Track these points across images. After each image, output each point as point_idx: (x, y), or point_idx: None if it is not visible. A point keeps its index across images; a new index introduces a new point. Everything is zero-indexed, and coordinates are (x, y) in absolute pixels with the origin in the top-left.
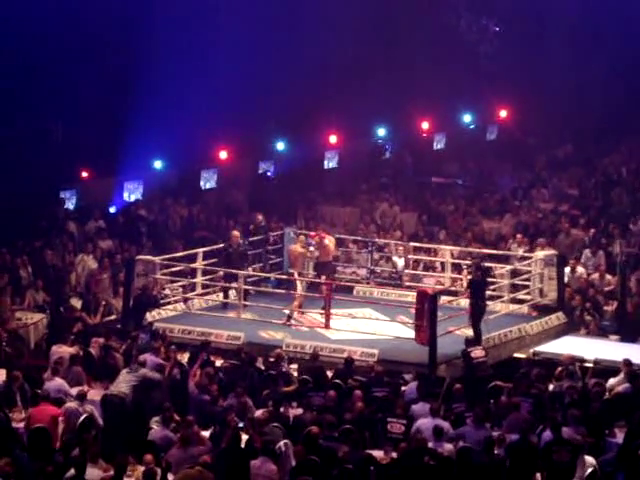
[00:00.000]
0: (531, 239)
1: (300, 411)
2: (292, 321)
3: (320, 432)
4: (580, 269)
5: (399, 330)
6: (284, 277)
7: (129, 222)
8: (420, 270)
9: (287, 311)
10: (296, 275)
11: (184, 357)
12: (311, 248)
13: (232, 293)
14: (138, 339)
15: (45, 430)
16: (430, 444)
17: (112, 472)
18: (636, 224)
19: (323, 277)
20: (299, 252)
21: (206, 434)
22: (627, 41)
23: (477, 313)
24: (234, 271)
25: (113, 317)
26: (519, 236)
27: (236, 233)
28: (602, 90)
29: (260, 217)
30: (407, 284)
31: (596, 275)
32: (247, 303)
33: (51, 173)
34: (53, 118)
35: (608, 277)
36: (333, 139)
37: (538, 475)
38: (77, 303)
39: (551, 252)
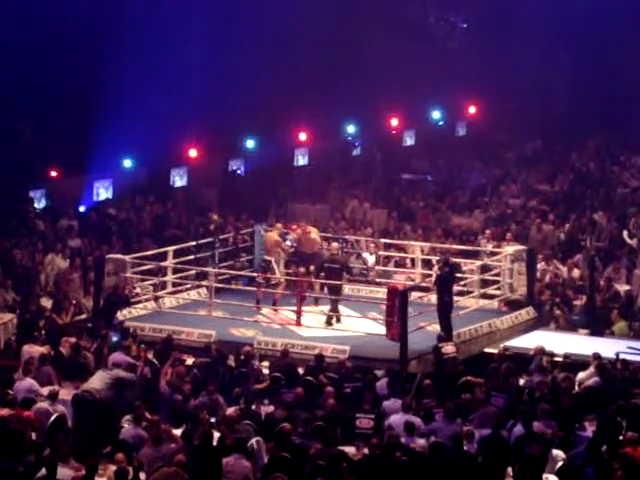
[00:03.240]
0: (501, 234)
1: (272, 408)
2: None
3: (292, 429)
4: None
5: (370, 326)
6: (254, 275)
7: (99, 221)
8: (391, 266)
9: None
10: (273, 262)
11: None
12: (287, 242)
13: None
14: (108, 338)
15: (16, 430)
16: (402, 440)
17: (83, 472)
18: (608, 219)
19: (312, 267)
20: (275, 240)
21: (178, 432)
22: (595, 38)
23: (444, 309)
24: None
25: (84, 316)
26: (488, 232)
27: None
28: (569, 86)
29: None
30: (378, 280)
31: (564, 269)
32: (218, 301)
33: (20, 172)
34: (22, 118)
35: (576, 271)
36: (303, 136)
37: (509, 469)
38: (47, 303)
39: (520, 247)
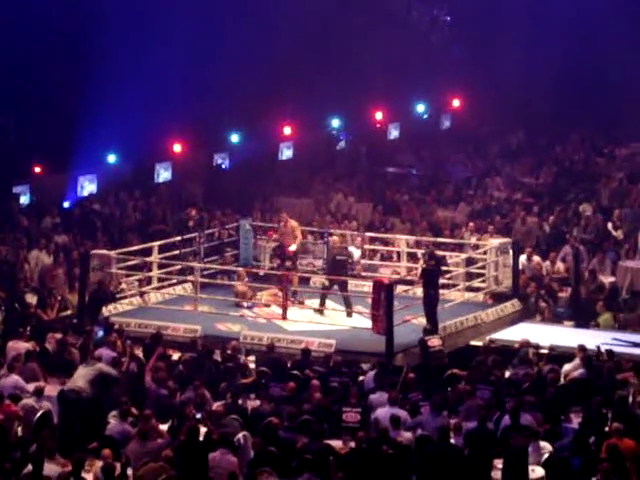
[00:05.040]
0: (485, 227)
1: (258, 403)
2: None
3: (280, 423)
4: (536, 257)
5: (356, 320)
6: (240, 269)
7: (84, 216)
8: (376, 260)
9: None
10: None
11: (140, 351)
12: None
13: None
14: (93, 333)
15: (1, 427)
16: (389, 433)
17: (70, 467)
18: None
19: (288, 263)
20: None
21: (164, 427)
22: (577, 30)
23: (430, 302)
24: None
25: (69, 312)
26: (472, 224)
27: None
28: (552, 78)
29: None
30: (363, 274)
31: (548, 262)
32: (203, 296)
33: (4, 168)
34: (5, 113)
35: (559, 264)
36: (287, 130)
37: (496, 462)
38: (32, 299)
39: (505, 240)
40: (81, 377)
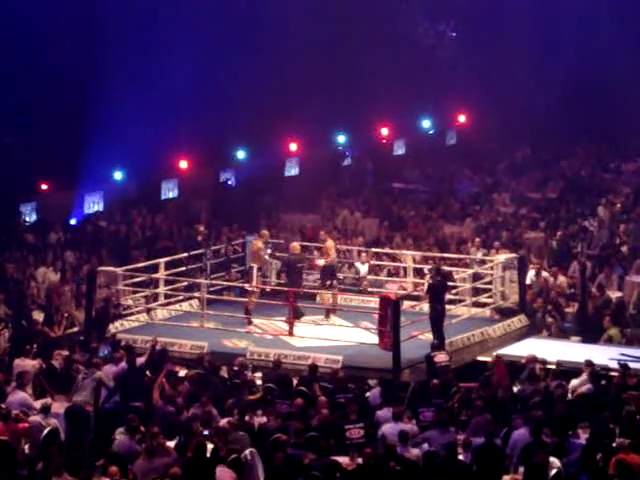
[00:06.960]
0: (491, 243)
1: (265, 419)
2: (251, 321)
3: (288, 440)
4: (545, 273)
5: (363, 336)
6: (246, 286)
7: (91, 234)
8: (383, 276)
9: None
10: (255, 269)
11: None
12: (268, 251)
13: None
14: (99, 350)
15: (8, 444)
16: (397, 449)
17: None
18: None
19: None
20: (258, 247)
21: (172, 444)
22: (582, 46)
23: (437, 317)
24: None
25: (76, 329)
26: (477, 240)
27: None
28: (559, 94)
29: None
30: (370, 290)
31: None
32: (210, 312)
33: (10, 186)
34: (11, 132)
35: (562, 278)
36: (293, 147)
37: (505, 477)
38: (39, 316)
39: (511, 255)
40: (85, 390)
